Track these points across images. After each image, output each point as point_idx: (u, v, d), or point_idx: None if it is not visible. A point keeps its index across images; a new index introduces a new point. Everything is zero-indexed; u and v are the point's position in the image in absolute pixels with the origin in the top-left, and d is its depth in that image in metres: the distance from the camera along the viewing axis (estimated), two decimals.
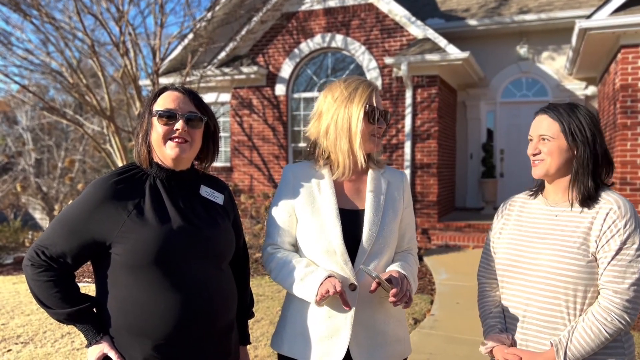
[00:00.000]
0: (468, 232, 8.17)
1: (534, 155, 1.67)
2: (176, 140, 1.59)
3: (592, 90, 9.54)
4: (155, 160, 1.63)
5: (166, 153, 1.59)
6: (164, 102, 1.60)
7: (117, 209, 1.52)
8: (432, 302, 5.29)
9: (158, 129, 1.58)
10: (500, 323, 1.71)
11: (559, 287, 1.56)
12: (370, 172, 1.78)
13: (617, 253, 1.52)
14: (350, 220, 1.71)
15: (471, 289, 5.65)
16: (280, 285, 1.74)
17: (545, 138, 1.64)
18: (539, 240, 1.64)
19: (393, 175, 1.82)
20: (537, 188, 1.78)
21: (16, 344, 4.44)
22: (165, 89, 1.64)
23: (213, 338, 1.60)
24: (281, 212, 1.77)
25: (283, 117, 9.84)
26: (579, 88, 9.61)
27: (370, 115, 1.69)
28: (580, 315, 1.56)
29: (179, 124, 1.58)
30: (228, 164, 10.50)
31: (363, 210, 1.73)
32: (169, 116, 1.58)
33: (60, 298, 1.52)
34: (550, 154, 1.63)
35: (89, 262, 1.61)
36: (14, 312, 5.50)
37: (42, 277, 1.51)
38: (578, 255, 1.55)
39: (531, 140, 1.70)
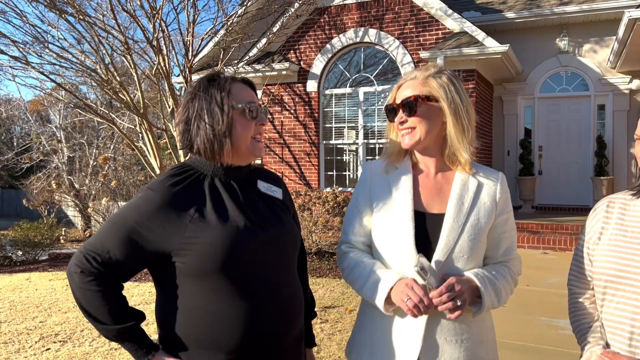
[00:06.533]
0: None
1: None
2: (258, 136, 1.49)
3: (636, 84, 9.14)
4: (217, 158, 1.47)
5: (255, 151, 1.48)
6: (244, 95, 1.46)
7: (178, 214, 1.36)
8: None
9: (246, 125, 1.44)
10: (602, 339, 1.51)
11: None
12: (457, 172, 1.60)
13: None
14: (427, 225, 1.54)
15: (517, 291, 5.42)
16: (351, 287, 1.61)
17: None
18: None
19: (487, 177, 1.61)
20: None
21: (54, 342, 4.40)
22: (234, 79, 1.49)
23: (287, 346, 1.46)
24: (356, 210, 1.65)
25: (314, 113, 9.71)
26: (622, 82, 9.23)
27: (387, 112, 1.64)
28: None
29: (263, 120, 1.47)
30: (259, 161, 10.42)
31: (443, 215, 1.55)
32: (256, 112, 1.46)
33: (109, 312, 1.36)
34: None
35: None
36: (51, 309, 5.50)
37: (91, 286, 1.35)
38: None
39: (638, 139, 1.44)
